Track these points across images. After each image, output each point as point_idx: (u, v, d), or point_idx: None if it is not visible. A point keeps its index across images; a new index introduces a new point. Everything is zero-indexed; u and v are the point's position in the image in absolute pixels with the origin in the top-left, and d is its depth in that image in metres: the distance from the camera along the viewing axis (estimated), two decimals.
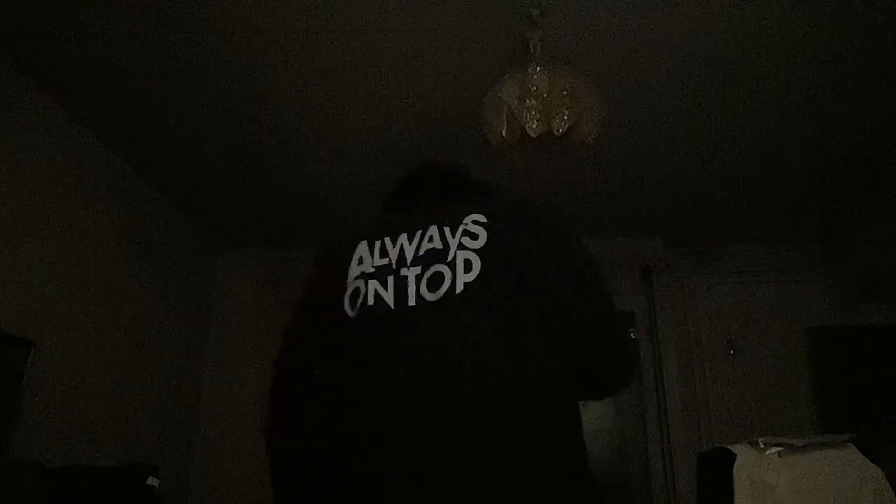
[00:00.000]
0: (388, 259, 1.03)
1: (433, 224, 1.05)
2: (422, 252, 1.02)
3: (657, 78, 2.35)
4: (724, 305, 3.78)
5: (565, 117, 1.78)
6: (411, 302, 0.98)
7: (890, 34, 2.11)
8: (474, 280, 0.97)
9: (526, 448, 0.89)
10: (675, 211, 3.46)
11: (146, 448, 2.89)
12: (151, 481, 2.09)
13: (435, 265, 1.00)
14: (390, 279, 1.01)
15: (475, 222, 1.03)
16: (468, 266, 0.98)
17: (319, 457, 0.96)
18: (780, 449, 1.88)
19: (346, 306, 1.01)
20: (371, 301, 1.00)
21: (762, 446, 1.91)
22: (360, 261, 1.06)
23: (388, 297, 0.99)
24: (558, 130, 1.78)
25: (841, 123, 2.63)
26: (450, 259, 0.99)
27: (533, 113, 1.78)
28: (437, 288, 0.97)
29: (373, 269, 1.03)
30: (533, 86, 1.79)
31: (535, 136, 1.78)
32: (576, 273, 1.05)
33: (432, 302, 0.97)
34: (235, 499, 3.32)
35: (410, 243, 1.04)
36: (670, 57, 2.24)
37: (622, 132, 2.63)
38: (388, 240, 1.06)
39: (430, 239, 1.03)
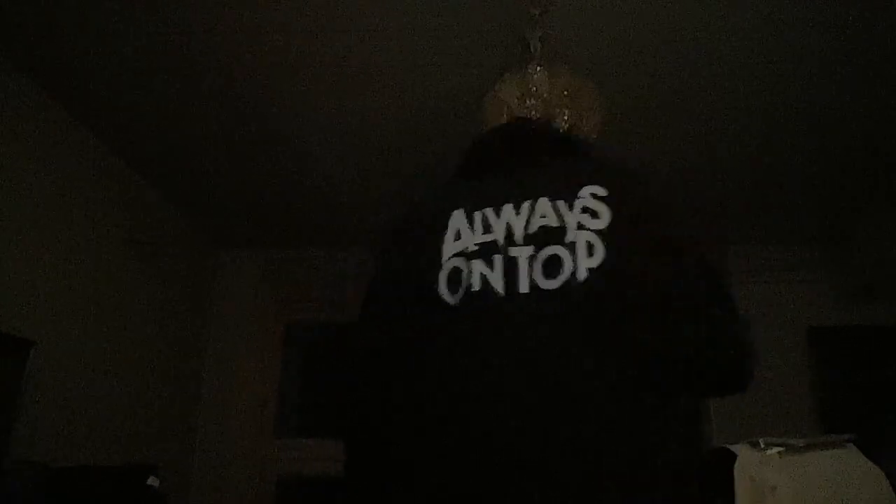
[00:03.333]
0: (492, 235, 0.87)
1: (543, 196, 0.88)
2: (533, 229, 0.86)
3: (657, 78, 2.35)
4: None
5: (565, 117, 1.78)
6: (523, 288, 0.83)
7: (891, 34, 2.11)
8: (598, 267, 0.82)
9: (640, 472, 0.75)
10: (675, 210, 3.45)
11: (146, 448, 2.89)
12: (152, 481, 2.09)
13: (550, 246, 0.84)
14: (497, 260, 0.85)
15: (594, 196, 0.87)
16: (590, 249, 0.83)
17: (406, 475, 0.82)
18: (781, 449, 1.88)
19: (444, 290, 0.86)
20: (476, 286, 0.84)
21: (762, 446, 1.91)
22: (458, 235, 0.89)
23: (497, 281, 0.84)
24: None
25: (841, 123, 2.62)
26: (568, 240, 0.84)
27: (533, 113, 1.77)
28: (555, 274, 0.82)
29: (476, 247, 0.87)
30: (533, 86, 1.79)
31: None
32: (694, 268, 0.92)
33: (550, 291, 0.82)
34: (235, 499, 3.32)
35: (518, 216, 0.88)
36: (671, 57, 2.24)
37: (622, 132, 2.62)
38: (489, 211, 0.89)
39: (543, 214, 0.87)
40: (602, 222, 0.85)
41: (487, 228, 0.88)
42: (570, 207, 0.86)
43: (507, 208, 0.88)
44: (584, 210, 0.86)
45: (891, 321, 3.56)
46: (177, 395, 3.29)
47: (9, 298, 2.20)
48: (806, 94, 2.43)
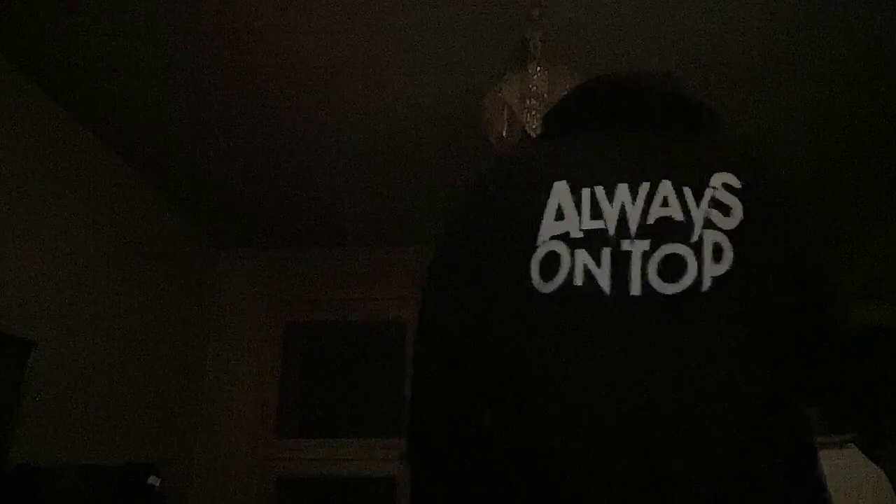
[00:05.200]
0: (602, 221, 0.73)
1: (666, 178, 0.74)
2: (651, 219, 0.72)
3: None
4: None
5: None
6: (635, 290, 0.69)
7: (891, 34, 2.11)
8: (725, 275, 0.68)
9: None
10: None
11: (146, 448, 2.89)
12: (152, 480, 2.09)
13: (671, 243, 0.70)
14: (606, 253, 0.71)
15: (727, 187, 0.72)
16: (718, 253, 0.69)
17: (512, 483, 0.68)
18: None
19: (536, 275, 0.71)
20: (579, 280, 0.70)
21: None
22: (560, 213, 0.74)
23: (603, 277, 0.70)
24: None
25: (842, 123, 2.62)
26: (694, 239, 0.70)
27: (533, 113, 1.78)
28: (676, 277, 0.69)
29: (581, 234, 0.72)
30: (533, 86, 1.79)
31: (535, 136, 1.78)
32: (833, 295, 0.78)
33: (667, 297, 0.68)
34: (235, 499, 3.32)
35: (634, 201, 0.73)
36: (670, 57, 2.23)
37: None
38: (600, 191, 0.74)
39: (665, 202, 0.72)
40: (733, 221, 0.71)
41: (597, 213, 0.73)
42: (699, 198, 0.72)
43: (622, 189, 0.74)
44: (715, 203, 0.71)
45: (891, 321, 3.56)
46: (177, 395, 3.29)
47: (9, 299, 2.20)
48: (806, 93, 2.43)
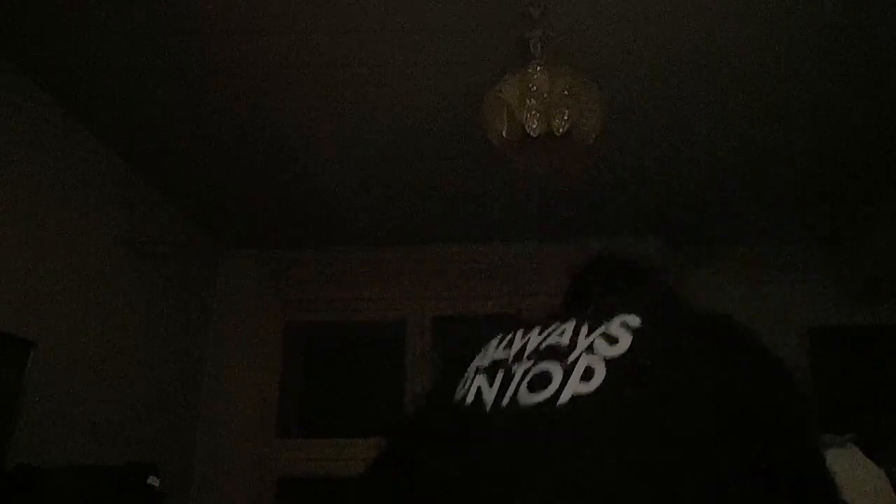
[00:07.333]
0: (508, 352, 0.83)
1: (573, 317, 0.82)
2: (543, 346, 0.80)
3: (657, 77, 2.35)
4: (725, 305, 3.76)
5: (565, 117, 1.78)
6: (504, 402, 0.76)
7: (891, 34, 2.11)
8: (589, 395, 0.70)
9: None
10: (675, 210, 3.46)
11: (146, 448, 2.89)
12: (152, 480, 2.09)
13: (547, 361, 0.76)
14: (500, 375, 0.80)
15: (623, 324, 0.77)
16: (588, 374, 0.72)
17: None
18: None
19: (456, 399, 0.85)
20: (470, 398, 0.80)
21: None
22: (484, 354, 0.87)
23: (489, 395, 0.79)
24: (558, 130, 1.78)
25: (841, 123, 2.62)
26: (570, 360, 0.75)
27: (533, 113, 1.77)
28: (538, 390, 0.74)
29: (488, 364, 0.84)
30: (533, 85, 1.79)
31: (535, 136, 1.78)
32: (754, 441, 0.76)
33: (524, 406, 0.73)
34: (235, 499, 3.32)
35: (539, 336, 0.83)
36: (670, 57, 2.24)
37: (623, 131, 2.63)
38: (520, 332, 0.86)
39: (561, 333, 0.80)
40: (616, 350, 0.74)
41: (507, 346, 0.84)
42: (591, 330, 0.78)
43: (535, 329, 0.84)
44: (603, 336, 0.76)
45: (891, 321, 3.56)
46: (177, 395, 3.29)
47: (9, 298, 2.20)
48: (806, 93, 2.43)
